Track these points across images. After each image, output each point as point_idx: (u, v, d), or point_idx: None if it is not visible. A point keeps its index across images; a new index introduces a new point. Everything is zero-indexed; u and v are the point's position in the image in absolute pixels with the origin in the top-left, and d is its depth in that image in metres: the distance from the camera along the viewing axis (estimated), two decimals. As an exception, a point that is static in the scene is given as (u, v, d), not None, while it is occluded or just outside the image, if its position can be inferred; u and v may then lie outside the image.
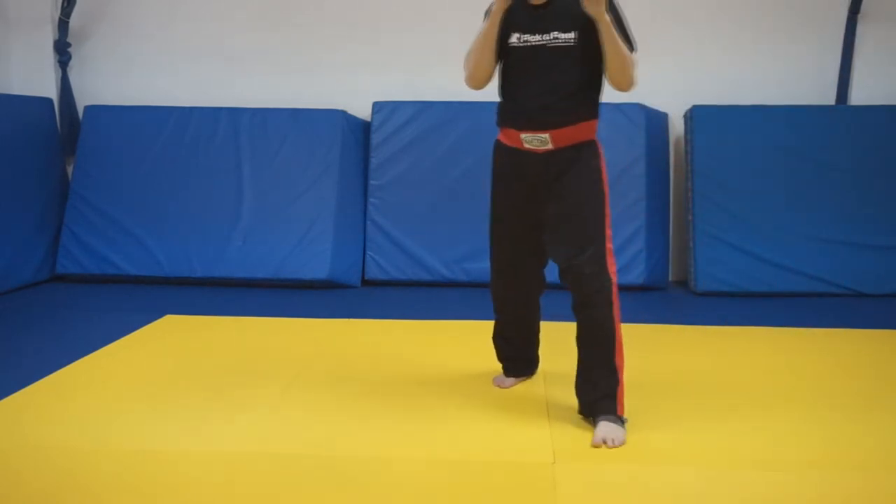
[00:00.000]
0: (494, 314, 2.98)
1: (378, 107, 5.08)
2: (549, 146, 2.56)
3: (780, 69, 5.10)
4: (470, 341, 3.46)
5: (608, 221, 2.59)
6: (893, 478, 2.29)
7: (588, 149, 2.61)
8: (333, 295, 4.69)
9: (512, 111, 2.64)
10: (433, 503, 2.12)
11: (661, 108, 5.05)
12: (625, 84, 2.53)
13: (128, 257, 4.91)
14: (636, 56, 2.54)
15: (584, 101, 2.59)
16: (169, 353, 3.46)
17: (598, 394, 2.55)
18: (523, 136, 2.58)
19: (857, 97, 5.07)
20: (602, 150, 2.65)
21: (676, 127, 5.15)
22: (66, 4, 5.14)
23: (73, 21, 5.26)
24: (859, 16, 5.00)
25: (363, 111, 5.17)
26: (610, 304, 2.53)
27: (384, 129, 5.05)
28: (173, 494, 2.14)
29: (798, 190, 4.79)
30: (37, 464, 2.32)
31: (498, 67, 2.65)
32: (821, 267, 4.71)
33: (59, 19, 5.20)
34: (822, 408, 2.82)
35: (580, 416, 2.62)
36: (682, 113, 5.04)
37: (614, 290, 2.55)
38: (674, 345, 3.63)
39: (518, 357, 3.03)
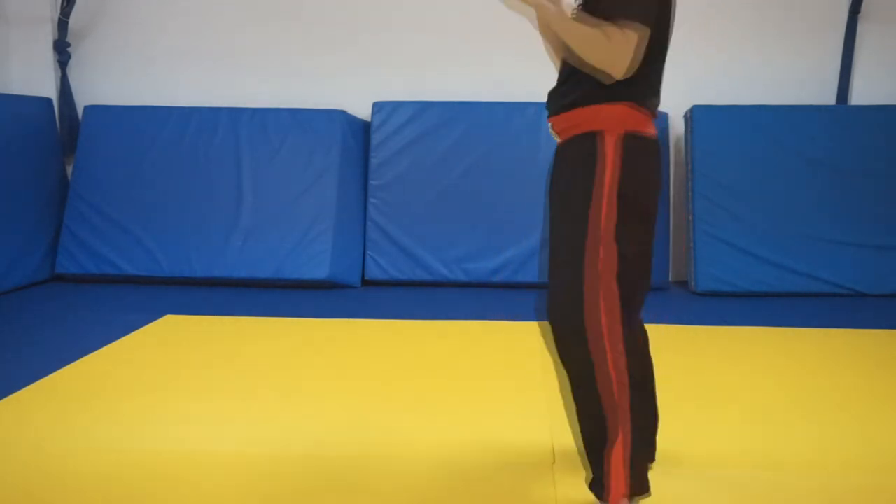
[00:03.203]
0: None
1: (378, 107, 5.08)
2: (557, 139, 2.06)
3: (780, 69, 5.11)
4: (470, 341, 3.46)
5: (593, 241, 1.92)
6: (894, 478, 2.29)
7: (580, 145, 1.95)
8: (333, 295, 4.69)
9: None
10: (433, 503, 2.12)
11: (661, 108, 5.04)
12: (596, 68, 1.87)
13: (128, 257, 4.91)
14: (615, 29, 1.82)
15: (583, 79, 1.93)
16: (169, 353, 3.46)
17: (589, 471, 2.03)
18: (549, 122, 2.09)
19: (857, 97, 5.08)
20: (620, 148, 1.92)
21: (676, 127, 5.15)
22: (65, 4, 5.14)
23: (73, 21, 5.26)
24: (859, 16, 5.01)
25: (363, 111, 5.17)
26: (585, 342, 1.93)
27: (384, 129, 5.05)
28: (173, 494, 2.14)
29: (798, 190, 4.79)
30: (36, 464, 2.32)
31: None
32: (821, 267, 4.71)
33: (59, 19, 5.21)
34: (822, 408, 2.82)
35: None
36: (682, 113, 5.04)
37: (599, 327, 1.95)
38: (674, 345, 3.62)
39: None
